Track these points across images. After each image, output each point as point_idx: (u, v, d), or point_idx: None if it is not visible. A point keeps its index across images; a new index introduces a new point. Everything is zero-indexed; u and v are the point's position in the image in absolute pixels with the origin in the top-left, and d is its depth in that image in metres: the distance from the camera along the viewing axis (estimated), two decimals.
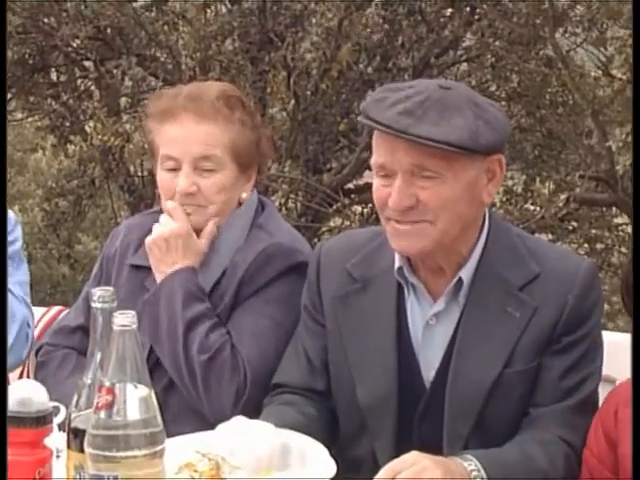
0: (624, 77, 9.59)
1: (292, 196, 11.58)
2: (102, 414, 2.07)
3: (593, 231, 11.71)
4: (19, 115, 14.49)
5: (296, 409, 2.86)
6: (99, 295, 2.23)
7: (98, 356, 2.22)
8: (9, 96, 12.78)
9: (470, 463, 2.55)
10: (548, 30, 9.80)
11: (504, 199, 11.63)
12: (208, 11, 11.27)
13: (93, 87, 13.55)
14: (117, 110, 12.28)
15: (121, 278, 3.27)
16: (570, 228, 11.84)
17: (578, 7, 10.50)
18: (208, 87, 3.28)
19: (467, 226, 2.75)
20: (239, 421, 2.56)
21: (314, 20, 10.97)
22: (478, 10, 11.05)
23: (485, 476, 2.53)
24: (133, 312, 2.11)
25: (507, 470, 2.58)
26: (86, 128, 12.29)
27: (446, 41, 11.52)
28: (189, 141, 3.11)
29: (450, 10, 11.30)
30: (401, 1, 11.29)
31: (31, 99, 13.90)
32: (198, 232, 3.14)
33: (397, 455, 2.50)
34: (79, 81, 13.68)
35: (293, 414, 2.82)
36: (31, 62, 13.03)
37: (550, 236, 11.28)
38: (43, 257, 15.70)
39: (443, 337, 2.80)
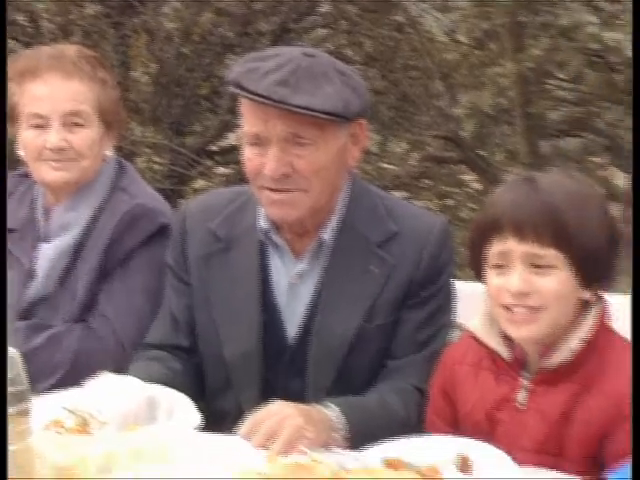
0: (467, 42, 9.71)
1: (156, 159, 11.49)
2: None
3: (444, 188, 11.85)
4: None
5: (162, 364, 2.85)
6: None
7: None
8: None
9: (331, 410, 2.59)
10: None
11: (363, 160, 11.69)
12: None
13: None
14: None
15: None
16: (423, 185, 11.98)
17: None
18: (67, 48, 3.25)
19: (332, 192, 2.76)
20: (106, 377, 2.53)
21: None
22: None
23: (345, 422, 2.57)
24: None
25: (366, 416, 2.62)
26: None
27: (303, 7, 11.53)
28: (57, 98, 3.07)
29: None
30: None
31: None
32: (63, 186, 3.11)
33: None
34: None
35: (159, 369, 2.81)
36: None
37: (405, 193, 11.38)
38: None
39: (306, 295, 2.81)
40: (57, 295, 3.13)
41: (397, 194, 12.09)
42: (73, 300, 3.10)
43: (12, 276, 3.11)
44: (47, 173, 3.10)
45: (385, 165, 11.66)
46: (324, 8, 11.79)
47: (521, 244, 2.43)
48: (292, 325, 2.82)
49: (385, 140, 11.73)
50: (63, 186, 3.13)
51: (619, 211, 9.54)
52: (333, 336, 2.75)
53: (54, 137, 3.06)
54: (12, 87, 3.13)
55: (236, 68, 2.68)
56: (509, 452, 2.38)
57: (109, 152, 3.18)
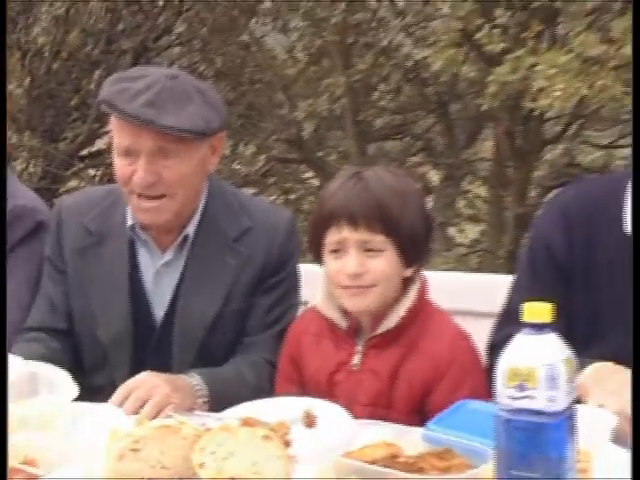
0: (305, 59, 9.81)
1: (32, 162, 11.29)
2: None
3: (288, 184, 11.95)
4: None
5: (42, 344, 2.81)
6: None
7: None
8: None
9: (194, 379, 2.59)
10: (244, 19, 9.89)
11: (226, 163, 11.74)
12: None
13: None
14: None
15: None
16: (269, 182, 12.05)
17: (266, 1, 10.62)
18: None
19: (195, 195, 2.75)
20: None
21: (44, 8, 10.69)
22: (186, 1, 10.99)
23: (206, 389, 2.58)
24: None
25: (224, 384, 2.63)
26: None
27: (160, 28, 11.45)
28: None
29: (162, 2, 11.22)
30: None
31: None
32: None
33: None
34: None
35: (39, 348, 2.76)
36: None
37: (254, 189, 11.43)
38: None
39: (171, 283, 2.80)
40: None
41: (247, 190, 12.15)
42: None
43: None
44: None
45: (236, 166, 11.67)
46: (179, 29, 11.73)
47: (354, 232, 2.47)
48: (159, 310, 2.81)
49: (236, 144, 11.74)
50: None
51: (432, 202, 9.77)
52: (194, 319, 2.76)
53: None
54: None
55: (107, 88, 2.63)
56: (347, 408, 2.41)
57: None
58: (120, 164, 2.67)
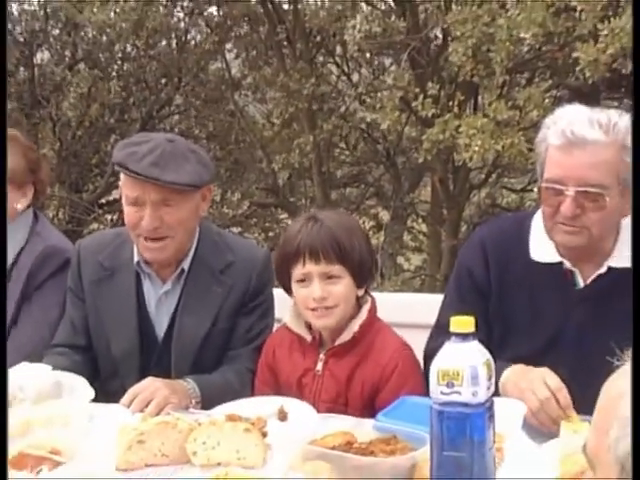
0: (278, 123, 9.87)
1: (61, 209, 11.25)
2: None
3: (267, 224, 11.97)
4: None
5: (66, 357, 2.78)
6: None
7: None
8: None
9: (189, 383, 2.58)
10: (230, 92, 9.94)
11: (209, 207, 11.72)
12: None
13: None
14: None
15: None
16: (252, 223, 12.06)
17: (249, 78, 10.67)
18: None
19: (190, 235, 2.73)
20: (25, 365, 2.45)
21: (71, 87, 10.66)
22: (183, 79, 11.02)
23: (199, 391, 2.56)
24: None
25: (213, 388, 2.61)
26: None
27: (163, 100, 11.48)
28: None
29: (164, 79, 11.25)
30: (131, 75, 11.17)
31: None
32: None
33: None
34: None
35: (63, 360, 2.74)
36: None
37: (239, 229, 11.42)
38: None
39: (170, 308, 2.78)
40: None
41: (234, 229, 12.15)
42: (7, 315, 2.99)
43: None
44: None
45: (225, 210, 11.66)
46: (178, 101, 11.75)
47: (316, 265, 2.48)
48: (160, 329, 2.79)
49: (224, 192, 11.72)
50: None
51: (383, 236, 9.80)
52: (189, 336, 2.74)
53: None
54: None
55: (118, 152, 2.63)
56: (313, 405, 2.41)
57: (20, 205, 3.06)
58: (129, 211, 2.66)
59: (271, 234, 11.64)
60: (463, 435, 1.76)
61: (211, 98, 11.11)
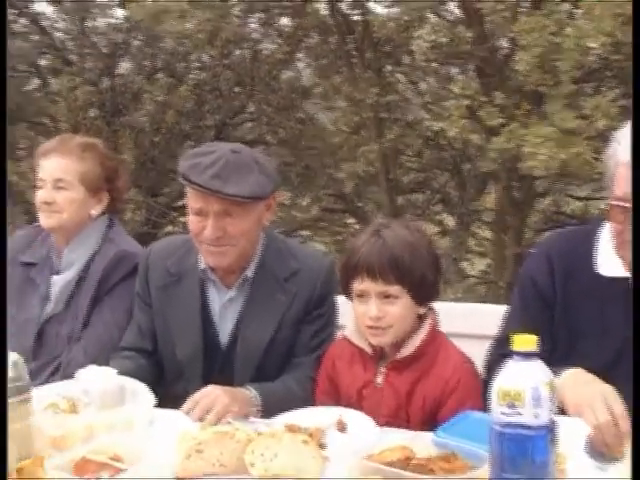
0: (346, 130, 9.83)
1: (138, 212, 11.39)
2: None
3: (335, 228, 11.94)
4: None
5: (132, 361, 2.74)
6: None
7: None
8: None
9: (250, 391, 2.50)
10: (300, 101, 9.92)
11: (276, 210, 11.75)
12: (77, 91, 10.99)
13: None
14: (17, 158, 11.82)
15: (14, 273, 3.08)
16: (321, 227, 12.05)
17: (318, 86, 10.65)
18: (69, 137, 3.16)
19: (253, 244, 2.68)
20: (91, 369, 2.42)
21: (149, 96, 10.81)
22: (256, 88, 11.05)
23: (260, 400, 2.49)
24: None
25: (274, 396, 2.53)
26: None
27: (236, 107, 11.54)
28: (51, 168, 2.98)
29: (237, 88, 11.31)
30: (206, 83, 11.25)
31: None
32: (59, 231, 3.01)
33: None
34: None
35: (130, 364, 2.70)
36: None
37: (309, 232, 11.42)
38: None
39: (234, 314, 2.71)
40: (64, 314, 3.00)
41: (304, 233, 12.14)
42: (75, 318, 2.98)
43: (33, 298, 3.00)
44: (42, 220, 3.01)
45: (295, 213, 11.68)
46: (250, 108, 11.80)
47: (374, 284, 2.39)
48: (224, 336, 2.72)
49: (295, 197, 11.74)
50: (55, 231, 3.02)
51: (449, 244, 9.66)
52: (252, 343, 2.67)
53: (43, 194, 2.97)
54: (36, 161, 3.04)
55: (183, 163, 2.57)
56: (373, 417, 2.32)
57: (95, 211, 3.05)
58: (193, 220, 2.61)
59: (339, 238, 11.61)
60: (524, 457, 1.66)
61: (282, 106, 11.13)
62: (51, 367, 2.91)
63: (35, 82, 12.05)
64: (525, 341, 1.69)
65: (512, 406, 1.65)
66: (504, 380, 1.67)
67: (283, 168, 11.56)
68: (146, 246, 3.06)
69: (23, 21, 11.88)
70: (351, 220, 11.44)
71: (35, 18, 12.01)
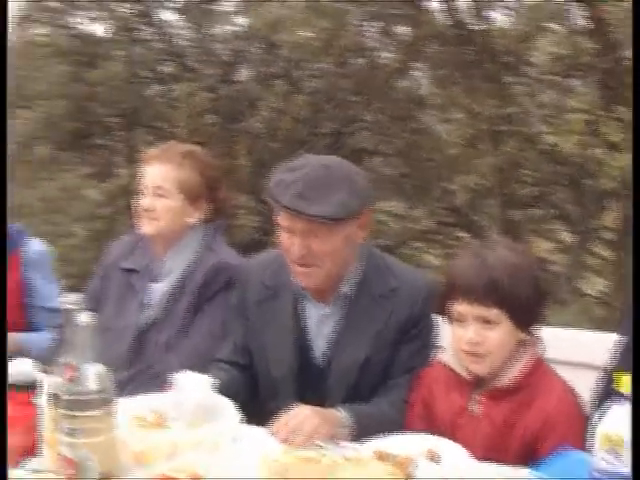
0: (461, 142, 9.67)
1: (249, 218, 11.54)
2: (68, 385, 1.90)
3: (447, 241, 11.79)
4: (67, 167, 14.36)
5: (227, 374, 2.70)
6: (70, 300, 2.05)
7: (69, 343, 2.03)
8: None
9: (342, 412, 2.42)
10: (416, 111, 9.83)
11: (390, 221, 11.68)
12: (195, 97, 11.21)
13: (121, 145, 13.46)
14: (135, 161, 12.18)
15: (115, 279, 3.11)
16: (433, 239, 11.94)
17: (435, 97, 10.52)
18: (172, 144, 3.18)
19: (345, 263, 2.60)
20: (188, 375, 2.37)
21: (264, 103, 10.92)
22: (372, 97, 11.00)
23: (351, 422, 2.41)
24: (91, 313, 1.95)
25: (367, 419, 2.44)
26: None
27: (351, 116, 11.55)
28: (152, 176, 3.01)
29: (354, 97, 11.29)
30: (322, 91, 11.27)
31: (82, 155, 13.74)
32: (157, 238, 3.03)
33: None
34: (112, 144, 13.58)
35: (224, 376, 2.64)
36: (81, 132, 12.90)
37: (422, 244, 11.31)
38: None
39: (329, 331, 2.64)
40: (162, 321, 3.00)
41: (417, 244, 12.01)
42: (172, 327, 2.98)
43: (132, 305, 3.02)
44: (142, 227, 3.02)
45: (408, 225, 11.58)
46: (366, 117, 11.77)
47: (471, 307, 2.27)
48: (318, 353, 2.66)
49: (409, 208, 11.65)
50: (153, 238, 3.04)
51: (566, 259, 9.35)
52: (347, 362, 2.59)
53: (144, 201, 3.01)
54: (142, 167, 3.07)
55: (272, 177, 2.53)
56: (467, 448, 2.21)
57: (192, 220, 3.05)
58: (283, 237, 2.56)
59: (450, 251, 11.42)
60: None
61: (398, 116, 11.05)
62: (146, 375, 2.92)
63: (155, 88, 12.38)
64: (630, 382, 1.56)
65: (614, 453, 1.52)
66: (606, 423, 1.55)
67: (398, 179, 11.46)
68: (255, 254, 3.04)
69: (144, 28, 12.20)
70: (464, 234, 11.24)
71: (160, 25, 12.33)
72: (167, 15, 12.25)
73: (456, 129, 9.98)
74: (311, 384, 2.66)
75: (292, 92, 10.81)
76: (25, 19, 12.10)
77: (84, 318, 1.92)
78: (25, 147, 11.88)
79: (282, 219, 2.52)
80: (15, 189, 15.69)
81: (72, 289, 3.27)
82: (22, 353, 3.11)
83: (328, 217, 2.44)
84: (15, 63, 12.05)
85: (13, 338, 3.11)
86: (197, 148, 3.22)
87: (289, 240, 2.53)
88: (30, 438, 2.04)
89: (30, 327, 3.22)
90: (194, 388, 2.34)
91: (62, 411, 1.90)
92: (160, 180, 3.00)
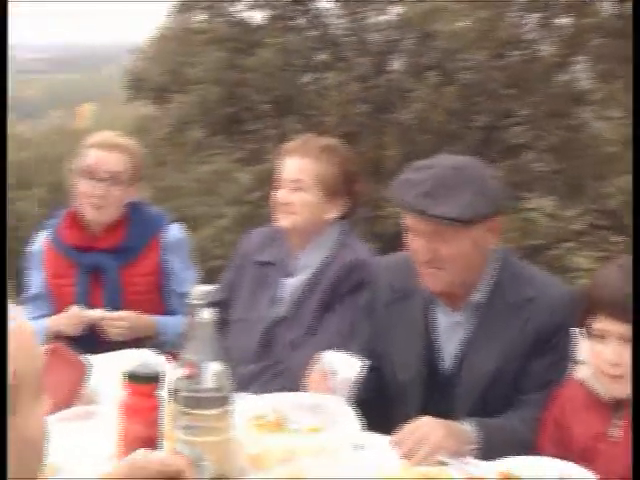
0: (621, 141, 9.21)
1: (395, 209, 11.48)
2: (187, 381, 1.89)
3: (600, 244, 11.34)
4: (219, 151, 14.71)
5: None
6: (195, 293, 2.05)
7: (190, 339, 2.02)
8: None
9: (469, 426, 2.30)
10: (573, 107, 9.45)
11: (541, 219, 11.37)
12: (347, 86, 11.23)
13: (272, 132, 13.64)
14: None
15: (249, 270, 3.12)
16: (586, 240, 11.51)
17: (596, 93, 10.10)
18: (312, 138, 3.12)
19: (475, 268, 2.48)
20: (335, 354, 2.34)
21: (416, 94, 10.80)
22: (528, 91, 10.69)
23: (479, 437, 2.28)
24: (212, 309, 1.93)
25: (495, 435, 2.31)
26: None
27: (505, 111, 11.27)
28: (289, 169, 2.97)
29: (510, 91, 10.99)
30: (476, 84, 11.05)
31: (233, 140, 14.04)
32: (293, 232, 2.99)
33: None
34: (263, 130, 13.79)
35: None
36: (233, 117, 13.17)
37: (573, 244, 10.93)
38: None
39: (459, 339, 2.52)
40: (292, 317, 2.98)
41: (568, 244, 11.61)
42: (302, 324, 2.95)
43: (263, 299, 3.01)
44: (280, 219, 3.00)
45: (560, 224, 11.24)
46: (520, 112, 11.47)
47: (615, 325, 2.10)
48: (447, 360, 2.55)
49: (561, 207, 11.29)
50: (289, 232, 3.01)
51: None
52: (477, 373, 2.47)
53: (281, 194, 2.97)
54: (280, 160, 3.04)
55: (399, 177, 2.44)
56: (606, 476, 2.05)
57: (330, 215, 3.00)
58: (409, 238, 2.47)
59: (602, 255, 10.98)
60: None
61: (554, 111, 10.69)
62: (272, 371, 2.91)
63: (308, 76, 12.48)
64: None
65: None
66: None
67: (550, 176, 11.10)
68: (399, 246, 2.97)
69: (300, 16, 12.30)
70: (617, 238, 10.76)
71: (315, 14, 12.41)
72: (323, 3, 12.32)
73: (615, 127, 9.54)
74: (438, 392, 2.56)
75: (445, 84, 10.62)
76: (185, 6, 12.45)
77: (206, 315, 1.90)
78: (179, 130, 12.23)
79: (408, 220, 2.43)
80: (167, 172, 16.28)
81: (216, 272, 3.29)
82: (158, 336, 3.18)
83: (453, 218, 2.32)
84: (174, 49, 12.43)
85: (150, 321, 3.18)
86: (336, 142, 3.17)
87: (415, 242, 2.44)
88: (151, 431, 2.05)
89: (167, 311, 3.26)
90: (344, 367, 2.29)
91: (179, 407, 1.90)
92: (298, 173, 2.96)
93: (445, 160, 2.47)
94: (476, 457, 2.22)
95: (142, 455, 1.44)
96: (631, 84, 8.15)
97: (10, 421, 1.15)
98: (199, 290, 2.05)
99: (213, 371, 1.89)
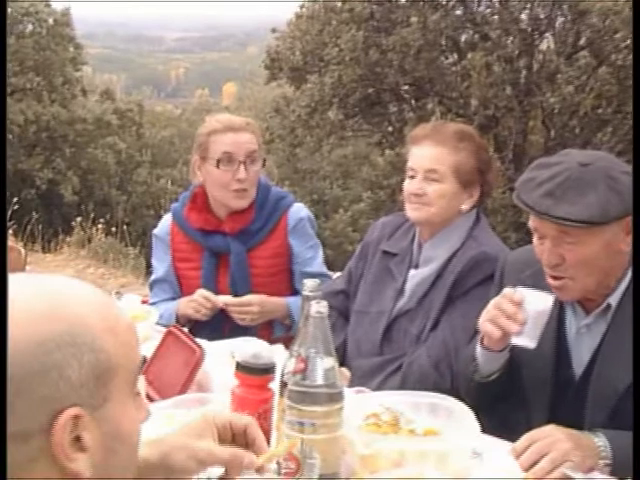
0: None
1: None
2: (297, 377, 1.87)
3: None
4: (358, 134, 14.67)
5: None
6: (308, 285, 2.02)
7: (302, 332, 2.00)
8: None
9: (599, 439, 2.15)
10: None
11: None
12: (491, 68, 10.98)
13: (411, 115, 13.52)
14: None
15: (374, 260, 3.07)
16: None
17: None
18: (444, 124, 3.05)
19: (610, 272, 2.33)
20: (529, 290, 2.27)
21: (563, 76, 10.40)
22: None
23: (610, 451, 2.13)
24: (326, 302, 1.89)
25: (628, 450, 2.08)
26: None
27: None
28: (424, 158, 2.87)
29: None
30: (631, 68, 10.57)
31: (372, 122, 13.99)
32: (425, 224, 2.91)
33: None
34: (403, 113, 13.67)
35: None
36: (371, 99, 13.11)
37: None
38: None
39: (591, 345, 2.39)
40: (415, 311, 2.91)
41: None
42: (426, 317, 2.89)
43: (388, 290, 2.96)
44: (408, 211, 2.91)
45: None
46: None
47: None
48: (578, 366, 2.42)
49: None
50: (421, 224, 2.93)
51: None
52: (608, 383, 2.32)
53: (415, 185, 2.86)
54: (408, 147, 2.96)
55: (523, 175, 2.32)
56: None
57: (465, 206, 2.91)
58: (535, 242, 2.35)
59: None
60: None
61: None
62: (394, 365, 2.86)
63: (450, 57, 12.28)
64: None
65: None
66: None
67: None
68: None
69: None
70: None
71: None
72: None
73: None
74: (566, 401, 2.44)
75: (596, 66, 10.20)
76: None
77: (318, 308, 1.87)
78: (315, 112, 12.29)
79: (532, 221, 2.31)
80: (303, 153, 16.42)
81: (350, 258, 3.27)
82: (289, 317, 3.20)
83: (578, 220, 2.18)
84: (314, 28, 12.49)
85: (281, 303, 3.19)
86: (470, 128, 3.07)
87: (540, 246, 2.32)
88: (261, 422, 2.04)
89: (294, 293, 3.27)
90: (536, 299, 2.25)
91: (288, 402, 1.88)
92: (433, 163, 2.85)
93: (572, 156, 2.31)
94: (604, 473, 2.11)
95: None
96: None
97: (99, 413, 1.14)
98: (312, 282, 2.03)
99: (324, 367, 1.86)
